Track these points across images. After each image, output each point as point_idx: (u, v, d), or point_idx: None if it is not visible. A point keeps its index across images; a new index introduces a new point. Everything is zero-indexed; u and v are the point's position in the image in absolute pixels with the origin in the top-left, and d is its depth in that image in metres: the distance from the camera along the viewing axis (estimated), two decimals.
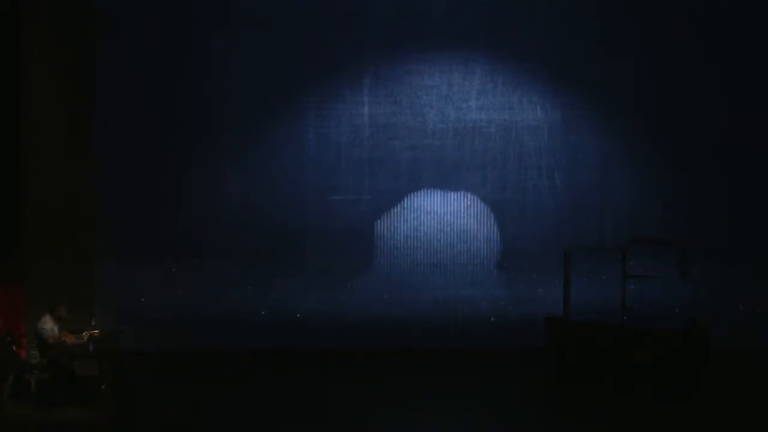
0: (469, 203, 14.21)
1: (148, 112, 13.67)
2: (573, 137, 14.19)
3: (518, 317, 14.01)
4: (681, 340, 11.89)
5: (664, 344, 11.89)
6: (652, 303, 13.61)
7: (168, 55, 13.71)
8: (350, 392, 12.11)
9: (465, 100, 14.16)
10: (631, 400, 11.60)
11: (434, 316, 14.05)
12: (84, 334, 11.52)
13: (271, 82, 13.90)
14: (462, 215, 14.22)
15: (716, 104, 14.11)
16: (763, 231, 14.10)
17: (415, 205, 14.20)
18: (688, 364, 11.78)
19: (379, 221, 14.15)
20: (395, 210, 14.17)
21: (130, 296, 13.68)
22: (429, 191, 14.18)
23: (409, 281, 14.16)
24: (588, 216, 14.17)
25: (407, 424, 10.98)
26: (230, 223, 13.86)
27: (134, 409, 11.30)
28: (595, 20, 14.08)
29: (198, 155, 13.81)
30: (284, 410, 11.35)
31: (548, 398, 12.07)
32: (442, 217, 14.21)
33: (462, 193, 14.19)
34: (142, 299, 13.73)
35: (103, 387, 11.34)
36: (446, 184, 14.19)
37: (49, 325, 11.42)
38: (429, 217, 14.21)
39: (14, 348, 11.64)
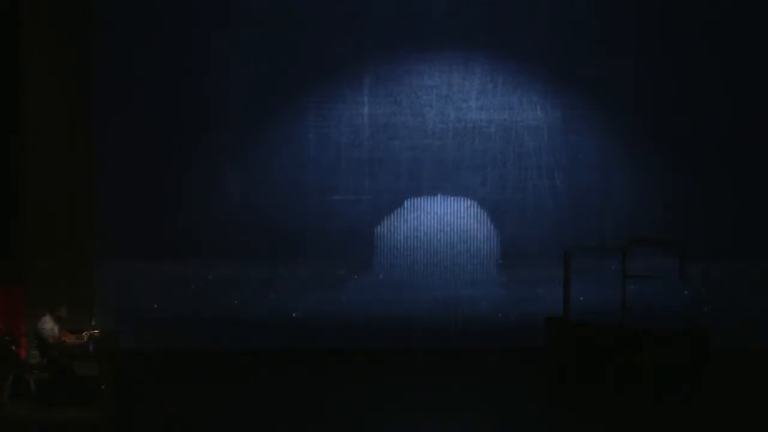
0: (469, 203, 14.20)
1: (148, 112, 13.68)
2: (573, 137, 14.19)
3: (518, 317, 14.01)
4: (681, 340, 11.89)
5: (664, 344, 11.89)
6: (652, 303, 13.61)
7: (168, 55, 13.71)
8: (350, 392, 12.11)
9: (465, 100, 14.15)
10: (631, 400, 11.59)
11: (434, 316, 14.05)
12: (84, 334, 11.52)
13: (271, 82, 13.90)
14: (462, 215, 14.22)
15: (716, 104, 14.11)
16: (763, 231, 14.10)
17: (415, 205, 14.19)
18: (688, 364, 11.78)
19: (379, 221, 14.15)
20: (395, 210, 14.17)
21: (130, 296, 13.67)
22: (429, 191, 14.18)
23: (409, 281, 14.15)
24: (588, 216, 14.17)
25: (407, 424, 10.97)
26: (230, 223, 13.86)
27: (134, 409, 11.29)
28: (595, 20, 14.08)
29: (198, 155, 13.82)
30: (284, 410, 11.34)
31: (548, 398, 12.06)
32: (442, 217, 14.21)
33: (462, 193, 14.18)
34: (142, 299, 13.73)
35: (103, 387, 11.34)
36: (446, 184, 14.18)
37: (49, 325, 11.41)
38: (429, 217, 14.20)
39: (14, 348, 11.63)
